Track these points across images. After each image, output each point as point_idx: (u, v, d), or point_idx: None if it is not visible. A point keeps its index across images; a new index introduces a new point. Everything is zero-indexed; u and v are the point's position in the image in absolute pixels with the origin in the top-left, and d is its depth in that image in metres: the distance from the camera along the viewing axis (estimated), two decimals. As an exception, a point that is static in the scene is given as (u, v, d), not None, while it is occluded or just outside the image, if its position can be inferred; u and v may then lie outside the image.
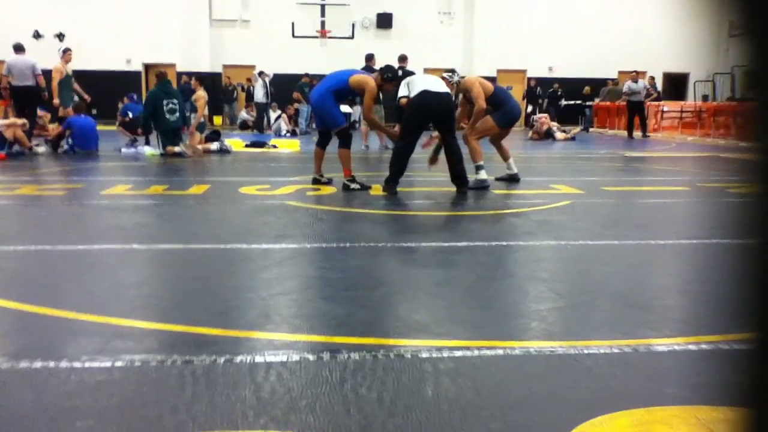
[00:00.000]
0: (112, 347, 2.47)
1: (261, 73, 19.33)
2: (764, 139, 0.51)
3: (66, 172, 8.68)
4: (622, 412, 1.98)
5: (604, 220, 5.51)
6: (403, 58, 12.11)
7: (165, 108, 10.53)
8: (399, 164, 6.70)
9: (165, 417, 1.93)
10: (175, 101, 10.70)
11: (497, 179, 7.70)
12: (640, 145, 15.03)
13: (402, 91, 6.88)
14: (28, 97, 11.54)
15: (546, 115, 18.31)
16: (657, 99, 20.20)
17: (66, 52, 11.99)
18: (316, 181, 7.29)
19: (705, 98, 23.23)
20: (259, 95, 18.89)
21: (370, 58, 12.14)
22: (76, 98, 12.14)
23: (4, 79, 11.69)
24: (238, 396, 2.07)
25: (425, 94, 6.56)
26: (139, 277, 3.63)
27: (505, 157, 7.83)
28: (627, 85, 17.54)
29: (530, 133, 17.32)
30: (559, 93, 22.76)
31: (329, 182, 7.30)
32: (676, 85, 25.23)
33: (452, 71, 7.42)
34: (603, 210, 6.04)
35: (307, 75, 18.97)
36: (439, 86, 6.69)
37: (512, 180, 7.72)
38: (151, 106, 10.59)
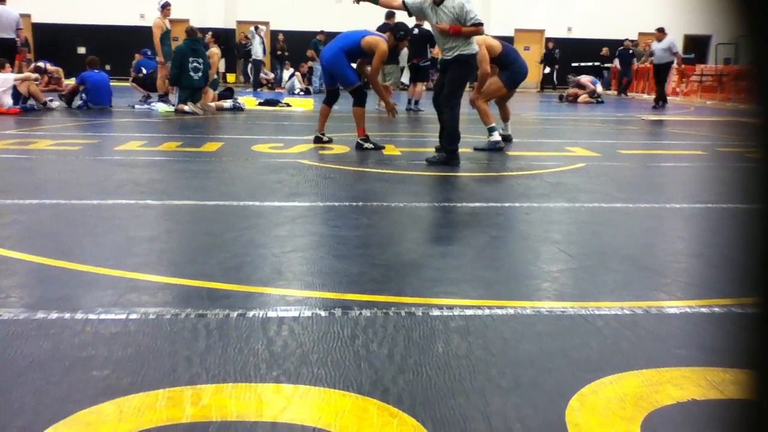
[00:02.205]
0: (127, 300, 2.51)
1: (257, 28, 19.05)
2: (765, 104, 0.50)
3: (80, 128, 8.70)
4: (632, 372, 1.99)
5: (618, 183, 5.47)
6: (390, 15, 11.86)
7: (190, 65, 10.45)
8: (458, 134, 6.13)
9: (179, 368, 1.96)
10: (201, 60, 10.59)
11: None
12: (658, 109, 14.80)
13: (479, 16, 5.86)
14: (7, 50, 11.06)
15: (589, 77, 16.98)
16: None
17: (165, 7, 11.48)
18: (317, 140, 7.25)
19: (727, 61, 22.76)
20: (258, 52, 18.58)
21: (390, 15, 11.89)
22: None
23: None
24: (250, 349, 2.10)
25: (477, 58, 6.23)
26: (153, 232, 3.66)
27: (505, 118, 7.81)
28: (652, 45, 15.56)
29: (566, 94, 16.67)
30: (631, 52, 19.95)
31: (329, 141, 7.26)
32: (697, 47, 24.73)
33: None
34: (618, 173, 5.99)
35: (322, 32, 18.75)
36: None
37: (505, 141, 7.63)
38: (178, 62, 10.48)
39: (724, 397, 1.85)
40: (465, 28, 5.83)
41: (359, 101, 6.93)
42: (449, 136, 6.06)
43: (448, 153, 6.05)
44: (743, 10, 0.50)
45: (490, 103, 7.47)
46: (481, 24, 5.87)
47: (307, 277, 2.86)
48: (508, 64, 7.25)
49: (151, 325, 2.28)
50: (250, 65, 20.54)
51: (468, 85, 6.82)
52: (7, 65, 10.38)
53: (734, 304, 2.59)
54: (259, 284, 2.74)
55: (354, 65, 7.06)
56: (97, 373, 1.92)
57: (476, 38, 6.94)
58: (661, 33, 14.78)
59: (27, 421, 1.67)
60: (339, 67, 6.82)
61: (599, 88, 16.17)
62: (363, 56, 6.95)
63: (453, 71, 6.05)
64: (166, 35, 11.44)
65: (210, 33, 12.77)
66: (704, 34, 24.58)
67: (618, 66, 20.53)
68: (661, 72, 15.20)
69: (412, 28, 9.78)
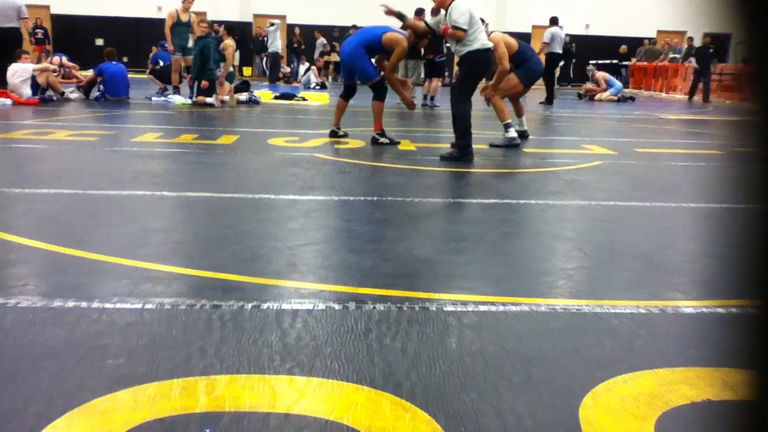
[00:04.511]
0: (142, 290, 2.52)
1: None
2: (766, 102, 0.50)
3: (97, 119, 8.76)
4: (646, 371, 1.98)
5: (634, 182, 5.43)
6: (434, 12, 11.81)
7: (213, 59, 10.60)
8: (467, 129, 6.07)
9: (193, 358, 1.97)
10: (219, 53, 10.84)
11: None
12: (676, 108, 14.66)
13: (463, 21, 5.94)
14: (9, 39, 10.75)
15: (604, 74, 16.46)
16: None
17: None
18: (333, 134, 7.25)
19: (744, 60, 22.42)
20: (279, 45, 18.66)
21: (419, 12, 11.85)
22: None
23: None
24: (264, 341, 2.10)
25: (489, 53, 6.14)
26: (168, 223, 3.68)
27: (519, 114, 7.80)
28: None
29: (584, 90, 16.58)
30: (711, 50, 16.81)
31: (345, 135, 7.26)
32: (717, 46, 24.39)
33: (481, 21, 7.20)
34: (634, 171, 5.94)
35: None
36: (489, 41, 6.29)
37: (521, 137, 7.58)
38: (216, 56, 10.61)
39: (739, 398, 1.83)
40: (449, 30, 6.01)
41: (379, 95, 6.93)
42: (460, 132, 6.07)
43: (460, 148, 6.04)
44: (744, 10, 0.50)
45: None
46: (459, 29, 5.97)
47: (321, 271, 2.86)
48: (523, 62, 7.25)
49: (166, 315, 2.29)
50: (265, 59, 20.62)
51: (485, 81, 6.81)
52: (24, 55, 10.44)
53: (750, 305, 2.56)
54: (273, 276, 2.75)
55: (373, 60, 7.03)
56: (112, 361, 1.94)
57: (495, 36, 6.94)
58: (551, 24, 13.73)
59: (42, 408, 1.68)
60: (358, 62, 6.81)
61: (610, 92, 15.88)
62: (383, 52, 6.93)
63: (461, 69, 6.30)
64: (177, 27, 11.48)
65: (222, 26, 12.78)
66: (724, 32, 24.31)
67: (694, 65, 17.43)
68: (548, 66, 13.32)
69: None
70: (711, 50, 16.78)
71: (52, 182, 4.52)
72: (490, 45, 6.15)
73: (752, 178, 0.51)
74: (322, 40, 19.96)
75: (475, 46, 6.00)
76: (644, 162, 6.48)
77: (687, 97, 17.77)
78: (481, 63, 6.09)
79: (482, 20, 7.03)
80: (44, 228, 3.43)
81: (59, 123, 8.03)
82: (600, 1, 23.64)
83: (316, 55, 19.46)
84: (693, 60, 17.50)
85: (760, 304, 0.51)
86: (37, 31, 20.02)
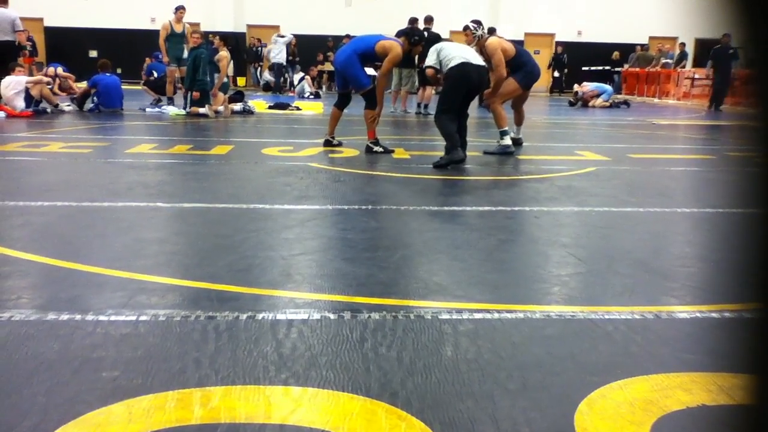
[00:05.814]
0: (137, 302, 2.52)
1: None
2: (765, 106, 0.50)
3: (91, 130, 8.75)
4: (642, 376, 1.98)
5: (628, 187, 5.45)
6: (428, 20, 11.87)
7: (208, 70, 10.64)
8: (450, 134, 6.14)
9: (188, 370, 1.96)
10: (213, 63, 10.90)
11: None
12: (669, 113, 14.71)
13: (431, 59, 6.31)
14: (4, 52, 10.83)
15: (591, 87, 16.28)
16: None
17: (178, 10, 11.55)
18: (327, 143, 7.26)
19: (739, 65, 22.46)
20: (282, 56, 18.72)
21: (429, 20, 11.91)
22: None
23: None
24: (260, 351, 2.10)
25: (466, 66, 6.08)
26: (163, 234, 3.67)
27: (518, 122, 7.85)
28: None
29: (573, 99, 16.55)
30: (732, 51, 14.34)
31: (339, 144, 7.27)
32: (708, 51, 24.52)
33: (478, 23, 7.23)
34: (628, 177, 5.96)
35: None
36: (476, 58, 6.28)
37: (515, 144, 7.60)
38: (206, 67, 10.64)
39: (734, 403, 1.84)
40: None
41: (370, 104, 6.94)
42: (446, 142, 6.12)
43: (447, 152, 6.10)
44: (744, 13, 0.50)
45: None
46: (430, 67, 6.37)
47: (316, 280, 2.86)
48: (520, 66, 7.28)
49: (160, 327, 2.29)
50: (259, 68, 20.67)
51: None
52: (18, 68, 10.44)
53: (745, 309, 2.57)
54: (268, 287, 2.74)
55: (367, 69, 7.04)
56: (106, 374, 1.93)
57: (492, 42, 6.98)
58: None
59: (37, 422, 1.68)
60: (351, 69, 6.82)
61: (602, 98, 15.86)
62: (376, 60, 6.96)
63: (443, 86, 6.34)
64: (172, 38, 11.48)
65: (218, 37, 12.81)
66: (715, 38, 24.43)
67: (710, 70, 15.77)
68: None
69: (423, 31, 9.80)
70: (731, 51, 14.30)
71: (46, 194, 4.51)
72: (467, 59, 6.10)
73: (752, 182, 0.51)
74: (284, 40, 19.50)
75: (450, 64, 6.09)
76: (638, 167, 6.51)
77: (708, 104, 16.23)
78: (457, 77, 6.10)
79: (478, 22, 7.09)
80: (38, 240, 3.42)
81: (53, 135, 8.02)
82: (592, 7, 23.75)
83: (265, 53, 19.07)
84: (709, 63, 15.73)
85: (759, 307, 0.52)
86: (26, 43, 20.01)
